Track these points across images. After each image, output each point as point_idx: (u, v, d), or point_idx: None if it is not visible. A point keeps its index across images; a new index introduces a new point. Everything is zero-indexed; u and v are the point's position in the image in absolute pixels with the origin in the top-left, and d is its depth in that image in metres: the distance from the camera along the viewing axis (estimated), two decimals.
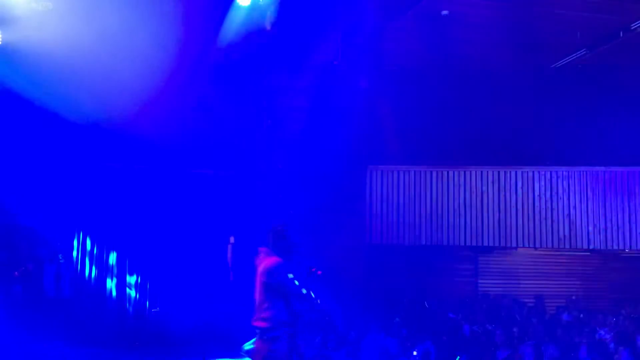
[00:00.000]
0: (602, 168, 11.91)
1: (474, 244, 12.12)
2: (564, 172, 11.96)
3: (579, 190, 11.87)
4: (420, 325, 9.58)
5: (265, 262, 5.11)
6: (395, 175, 12.16)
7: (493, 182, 12.05)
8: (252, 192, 10.75)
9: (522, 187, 11.98)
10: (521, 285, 13.29)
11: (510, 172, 12.06)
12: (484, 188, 12.04)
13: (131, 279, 10.34)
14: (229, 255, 10.64)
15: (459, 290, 12.95)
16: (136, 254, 10.30)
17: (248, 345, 5.31)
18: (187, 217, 10.37)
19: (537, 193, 11.95)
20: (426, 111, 12.17)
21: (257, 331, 5.08)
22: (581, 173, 11.91)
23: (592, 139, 12.57)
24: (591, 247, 11.91)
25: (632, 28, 10.77)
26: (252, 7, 10.40)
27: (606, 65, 12.26)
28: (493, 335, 8.80)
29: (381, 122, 11.79)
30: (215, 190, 10.74)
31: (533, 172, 12.02)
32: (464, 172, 12.10)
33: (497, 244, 12.11)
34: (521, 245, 12.08)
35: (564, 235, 11.79)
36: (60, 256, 10.08)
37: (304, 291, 5.05)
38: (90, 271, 10.13)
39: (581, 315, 11.25)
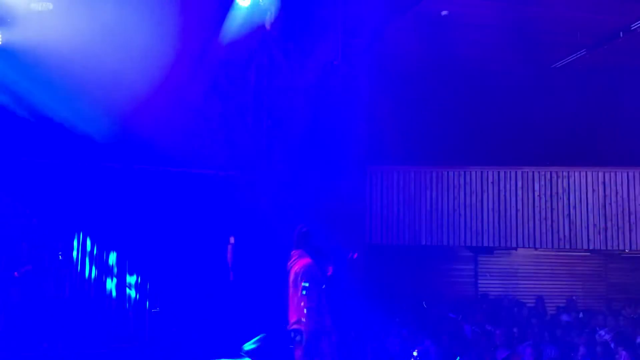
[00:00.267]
0: (602, 168, 11.91)
1: (474, 244, 12.13)
2: (564, 172, 11.96)
3: (579, 190, 11.87)
4: (420, 325, 9.59)
5: (298, 263, 5.09)
6: (395, 175, 12.16)
7: (493, 182, 12.05)
8: (252, 192, 10.73)
9: (522, 187, 11.99)
10: (521, 286, 13.31)
11: (510, 172, 12.06)
12: (484, 188, 12.04)
13: (131, 279, 10.33)
14: (229, 255, 10.63)
15: (458, 291, 12.96)
16: (136, 254, 10.29)
17: (248, 346, 5.30)
18: (187, 218, 10.36)
19: (537, 193, 11.95)
20: (426, 111, 12.18)
21: (294, 334, 4.99)
22: (581, 173, 11.91)
23: (592, 139, 12.58)
24: (591, 247, 11.91)
25: (632, 28, 10.78)
26: (252, 8, 10.40)
27: (606, 65, 12.27)
28: (493, 336, 8.81)
29: (381, 122, 11.78)
30: (215, 191, 10.73)
31: (533, 172, 12.02)
32: (464, 172, 12.10)
33: (497, 244, 12.11)
34: (521, 246, 12.08)
35: (564, 236, 11.79)
36: (59, 254, 10.07)
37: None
38: (90, 271, 10.12)
39: (581, 316, 11.27)
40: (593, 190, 11.84)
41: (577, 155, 12.39)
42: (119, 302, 10.24)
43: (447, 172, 12.13)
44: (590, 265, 13.61)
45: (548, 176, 11.99)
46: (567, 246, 11.91)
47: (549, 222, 11.86)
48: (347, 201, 11.51)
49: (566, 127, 12.51)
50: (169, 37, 9.73)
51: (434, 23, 10.90)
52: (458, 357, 7.93)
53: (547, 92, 12.73)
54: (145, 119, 9.88)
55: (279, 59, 11.00)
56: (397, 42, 11.49)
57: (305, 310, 4.91)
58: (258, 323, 9.55)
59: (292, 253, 5.23)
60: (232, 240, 10.66)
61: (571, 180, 11.93)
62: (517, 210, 11.93)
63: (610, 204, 11.76)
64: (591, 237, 11.75)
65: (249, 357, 5.27)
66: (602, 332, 9.26)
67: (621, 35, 11.03)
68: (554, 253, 13.13)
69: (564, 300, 12.45)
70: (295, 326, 4.97)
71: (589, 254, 13.14)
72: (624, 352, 7.43)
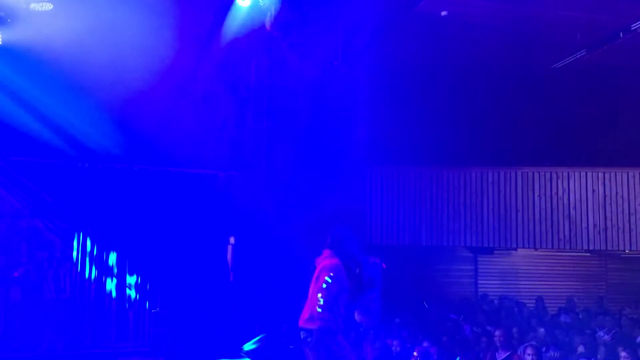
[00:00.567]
0: (602, 168, 11.91)
1: (474, 244, 12.13)
2: (564, 172, 11.96)
3: (579, 190, 11.87)
4: (420, 326, 9.59)
5: (327, 261, 5.10)
6: (395, 176, 12.16)
7: (493, 183, 12.05)
8: (252, 192, 10.73)
9: (522, 187, 11.98)
10: (521, 286, 13.30)
11: (510, 172, 12.06)
12: (484, 188, 12.04)
13: (131, 279, 10.32)
14: (229, 255, 10.63)
15: (458, 291, 12.96)
16: (136, 254, 10.29)
17: (248, 346, 5.30)
18: (187, 218, 10.36)
19: (537, 193, 11.95)
20: (426, 112, 12.17)
21: (304, 334, 4.96)
22: (581, 173, 11.91)
23: (592, 139, 12.58)
24: (591, 247, 11.91)
25: (632, 28, 10.78)
26: (252, 8, 10.40)
27: (606, 65, 12.26)
28: (493, 336, 8.80)
29: (381, 123, 11.78)
30: (215, 191, 10.72)
31: (533, 172, 12.02)
32: (464, 172, 12.10)
33: (497, 245, 12.11)
34: (521, 246, 12.08)
35: (564, 236, 11.79)
36: (59, 253, 10.07)
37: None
38: (90, 271, 10.11)
39: (580, 316, 11.27)
40: (593, 190, 11.85)
41: (577, 155, 12.39)
42: (119, 302, 10.23)
43: (447, 173, 12.13)
44: (590, 265, 13.61)
45: (548, 176, 12.00)
46: (567, 246, 11.92)
47: (549, 223, 11.86)
48: (347, 202, 11.51)
49: (566, 127, 12.51)
50: (169, 37, 9.73)
51: (433, 23, 10.90)
52: (458, 358, 7.92)
53: (547, 92, 12.73)
54: (145, 119, 9.88)
55: (279, 59, 11.00)
56: (397, 42, 11.48)
57: (319, 305, 4.89)
58: (258, 323, 9.58)
59: (323, 251, 5.24)
60: (232, 240, 10.66)
61: (571, 180, 11.93)
62: (517, 210, 11.93)
63: (610, 204, 11.76)
64: (591, 237, 11.75)
65: (249, 357, 5.27)
66: (602, 333, 9.27)
67: (621, 35, 11.03)
68: (554, 253, 13.13)
69: (564, 301, 12.44)
70: (306, 324, 4.94)
71: (589, 254, 13.13)
72: (624, 352, 7.42)
